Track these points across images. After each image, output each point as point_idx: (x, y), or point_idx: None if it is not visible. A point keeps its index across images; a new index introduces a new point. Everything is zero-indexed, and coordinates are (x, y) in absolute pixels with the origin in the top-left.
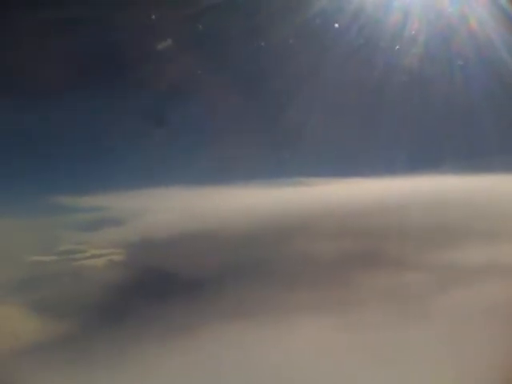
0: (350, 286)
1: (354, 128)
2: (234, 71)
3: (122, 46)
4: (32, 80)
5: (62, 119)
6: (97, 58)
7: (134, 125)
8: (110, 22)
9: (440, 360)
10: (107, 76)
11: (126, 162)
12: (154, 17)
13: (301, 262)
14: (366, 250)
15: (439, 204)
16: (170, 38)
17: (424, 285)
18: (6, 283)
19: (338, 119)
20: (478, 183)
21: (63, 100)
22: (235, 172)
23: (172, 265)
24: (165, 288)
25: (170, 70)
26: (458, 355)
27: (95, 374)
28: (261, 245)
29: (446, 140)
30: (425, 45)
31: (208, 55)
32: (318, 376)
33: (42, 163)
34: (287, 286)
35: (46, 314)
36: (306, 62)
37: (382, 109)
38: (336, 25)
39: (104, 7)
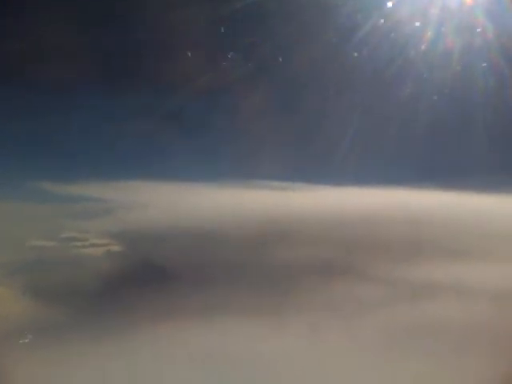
0: (312, 293)
1: (349, 138)
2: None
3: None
4: (40, 75)
5: (68, 114)
6: (90, 56)
7: (135, 122)
8: (132, 22)
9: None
10: (110, 75)
11: (130, 156)
12: (176, 18)
13: (266, 265)
14: (333, 259)
15: (418, 218)
16: (194, 40)
17: (380, 297)
18: (8, 265)
19: (334, 129)
20: (464, 200)
21: (67, 96)
22: (230, 172)
23: (166, 258)
24: (158, 279)
25: (170, 67)
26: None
27: (88, 355)
28: (244, 245)
29: (439, 154)
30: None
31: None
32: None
33: (49, 154)
34: (249, 288)
35: (44, 296)
36: (312, 71)
37: (379, 122)
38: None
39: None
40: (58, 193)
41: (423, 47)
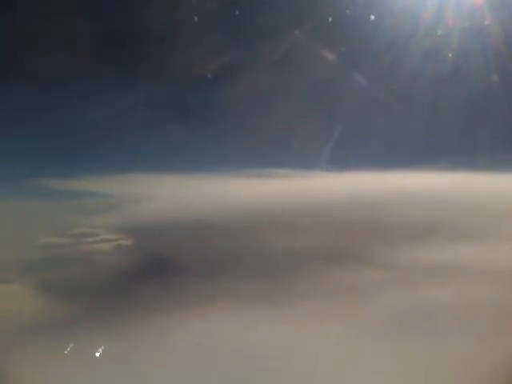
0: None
1: (352, 122)
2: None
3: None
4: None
5: (69, 109)
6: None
7: (138, 114)
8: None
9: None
10: (112, 67)
11: (134, 149)
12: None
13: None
14: (339, 244)
15: (422, 201)
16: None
17: (385, 281)
18: (20, 263)
19: (334, 113)
20: (469, 181)
21: (71, 88)
22: (235, 161)
23: (179, 250)
24: (172, 272)
25: (172, 57)
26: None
27: (102, 350)
28: (253, 233)
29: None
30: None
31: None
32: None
33: (52, 151)
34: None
35: (58, 293)
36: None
37: (382, 104)
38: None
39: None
40: (64, 189)
41: (427, 28)
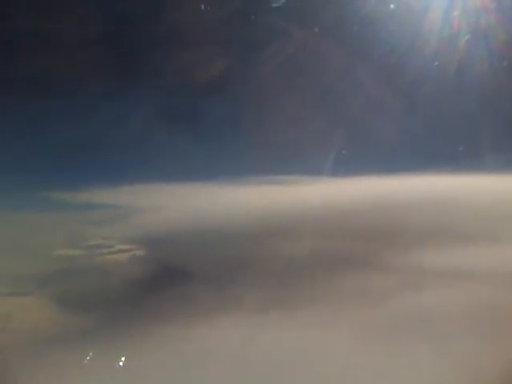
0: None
1: (358, 127)
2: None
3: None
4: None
5: (75, 120)
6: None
7: (143, 124)
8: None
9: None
10: (118, 76)
11: (140, 160)
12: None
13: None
14: (348, 249)
15: (427, 204)
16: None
17: (391, 286)
18: (37, 276)
19: (334, 116)
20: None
21: (73, 97)
22: (242, 169)
23: (190, 260)
24: (183, 282)
25: (178, 68)
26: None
27: (119, 361)
28: (261, 240)
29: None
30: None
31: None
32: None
33: (58, 163)
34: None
35: (74, 305)
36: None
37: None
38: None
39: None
40: (74, 201)
41: (431, 30)
